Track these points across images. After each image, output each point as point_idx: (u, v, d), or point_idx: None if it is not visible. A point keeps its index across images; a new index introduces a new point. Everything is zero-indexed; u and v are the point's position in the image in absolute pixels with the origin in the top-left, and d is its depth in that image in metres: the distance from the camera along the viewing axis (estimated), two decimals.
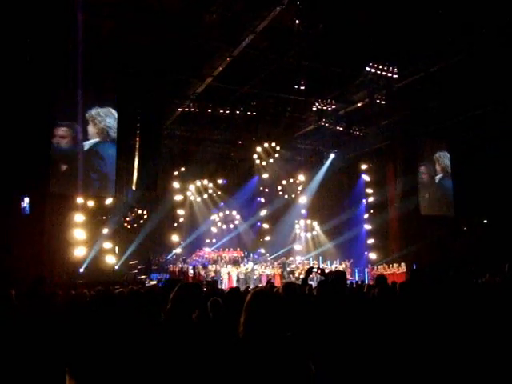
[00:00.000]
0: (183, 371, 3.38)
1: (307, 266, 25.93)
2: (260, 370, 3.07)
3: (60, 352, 6.36)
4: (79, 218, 20.26)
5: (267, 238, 29.98)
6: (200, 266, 25.36)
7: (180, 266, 25.09)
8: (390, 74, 17.99)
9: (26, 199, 18.09)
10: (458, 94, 18.62)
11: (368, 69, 17.91)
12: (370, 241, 27.59)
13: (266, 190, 29.41)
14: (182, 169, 26.83)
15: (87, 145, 18.53)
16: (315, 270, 5.99)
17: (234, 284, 23.58)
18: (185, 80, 19.31)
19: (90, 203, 21.12)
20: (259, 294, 3.41)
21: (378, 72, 17.92)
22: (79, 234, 19.98)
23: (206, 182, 28.95)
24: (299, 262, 28.21)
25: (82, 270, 20.80)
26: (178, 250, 27.60)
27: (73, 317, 7.39)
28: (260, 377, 3.06)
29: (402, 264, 24.06)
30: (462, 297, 4.80)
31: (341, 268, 26.01)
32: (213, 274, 24.80)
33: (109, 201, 22.65)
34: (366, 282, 21.10)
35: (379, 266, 25.75)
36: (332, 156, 28.13)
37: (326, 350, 4.85)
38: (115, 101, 18.71)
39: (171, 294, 3.66)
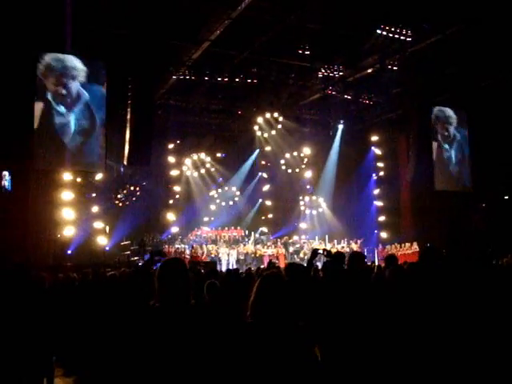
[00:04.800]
0: (184, 359, 3.41)
1: (312, 246, 26.03)
2: (269, 355, 3.12)
3: (47, 340, 6.40)
4: (66, 195, 20.25)
5: (269, 216, 30.05)
6: (197, 246, 25.45)
7: (176, 246, 25.18)
8: (403, 37, 17.78)
9: (7, 174, 18.05)
10: (478, 58, 18.41)
11: (379, 31, 17.69)
12: (381, 218, 27.63)
13: (268, 164, 29.40)
14: (178, 141, 26.75)
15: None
16: (321, 251, 5.99)
17: (234, 265, 23.70)
18: (179, 45, 19.12)
19: (78, 179, 21.10)
20: (270, 278, 3.47)
21: (390, 35, 17.71)
22: (66, 212, 19.99)
23: (203, 155, 28.91)
24: (304, 242, 28.29)
25: (69, 251, 20.88)
26: (174, 230, 27.66)
27: (61, 302, 7.43)
28: (268, 362, 3.11)
29: (414, 243, 24.10)
30: (480, 280, 4.80)
31: (354, 248, 26.09)
32: (211, 255, 24.91)
33: (98, 176, 22.66)
34: (376, 262, 21.16)
35: (390, 246, 25.79)
36: (341, 127, 28.00)
37: (333, 336, 4.89)
38: (104, 68, 18.50)
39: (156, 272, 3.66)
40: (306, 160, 30.08)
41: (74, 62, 17.61)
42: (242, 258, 25.53)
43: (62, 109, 17.65)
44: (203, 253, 24.78)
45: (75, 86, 17.77)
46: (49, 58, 17.13)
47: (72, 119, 17.79)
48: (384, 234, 27.21)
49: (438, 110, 24.20)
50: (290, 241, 27.90)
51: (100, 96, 18.25)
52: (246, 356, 3.21)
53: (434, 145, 24.13)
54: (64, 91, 17.61)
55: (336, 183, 29.13)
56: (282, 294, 3.35)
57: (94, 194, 23.44)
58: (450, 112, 24.51)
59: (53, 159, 17.97)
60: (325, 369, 4.14)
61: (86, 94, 18.03)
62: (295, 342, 3.24)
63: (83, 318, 7.48)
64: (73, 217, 20.38)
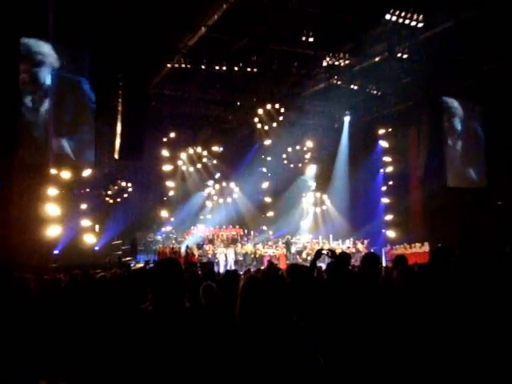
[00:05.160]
0: (178, 365, 3.42)
1: (315, 246, 26.07)
2: (259, 359, 3.15)
3: (31, 347, 6.38)
4: (53, 191, 20.23)
5: (270, 214, 30.06)
6: (193, 246, 25.48)
7: (171, 246, 25.20)
8: (414, 23, 17.68)
9: None
10: (493, 46, 18.36)
11: (388, 16, 17.61)
12: (389, 217, 27.62)
13: (269, 158, 29.36)
14: (172, 134, 26.73)
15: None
16: (325, 252, 5.99)
17: (232, 266, 23.74)
18: (174, 31, 19.05)
19: (66, 174, 21.06)
20: (252, 280, 3.60)
21: (400, 20, 17.61)
22: (53, 210, 19.96)
23: (199, 149, 28.89)
24: (307, 241, 28.32)
25: (56, 251, 20.88)
26: (168, 228, 27.69)
27: (46, 306, 7.41)
28: (260, 366, 3.13)
29: (425, 243, 24.09)
30: (496, 283, 4.78)
31: (360, 248, 26.11)
32: (208, 255, 24.94)
33: (87, 173, 22.61)
34: (384, 263, 21.17)
35: (399, 246, 25.79)
36: (347, 119, 27.99)
37: (336, 340, 4.89)
38: (89, 55, 18.43)
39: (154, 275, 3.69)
40: (309, 154, 30.07)
41: (45, 48, 17.43)
42: (240, 258, 25.58)
43: (31, 100, 17.58)
44: (199, 253, 24.82)
45: (47, 75, 17.64)
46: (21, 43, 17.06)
47: (45, 111, 17.71)
48: (392, 234, 27.20)
49: (451, 100, 24.20)
50: (292, 240, 27.92)
51: (83, 86, 18.21)
52: (240, 362, 3.25)
53: (446, 138, 24.12)
54: (32, 79, 17.52)
55: (341, 179, 29.13)
56: (264, 295, 3.44)
57: (82, 191, 23.43)
58: (463, 103, 24.50)
59: (34, 155, 17.94)
60: (328, 373, 4.15)
61: (63, 85, 17.94)
62: (290, 345, 3.29)
63: (71, 324, 7.46)
64: (60, 214, 20.35)
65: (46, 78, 17.64)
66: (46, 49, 17.44)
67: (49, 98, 17.71)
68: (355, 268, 9.00)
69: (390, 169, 27.74)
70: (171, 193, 27.80)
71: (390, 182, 27.70)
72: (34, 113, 17.53)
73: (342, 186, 29.04)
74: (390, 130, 27.47)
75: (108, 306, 6.74)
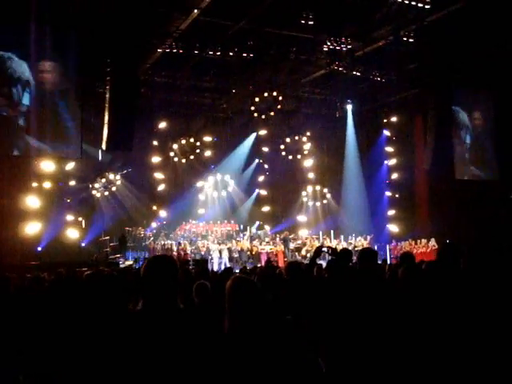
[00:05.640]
0: (169, 371, 3.40)
1: (315, 242, 26.09)
2: (254, 362, 3.16)
3: (12, 354, 6.36)
4: (36, 184, 20.17)
5: (267, 209, 30.03)
6: (186, 242, 25.45)
7: (162, 242, 25.18)
8: (420, 5, 17.67)
9: None
10: (505, 30, 18.34)
11: None
12: (393, 211, 27.64)
13: (266, 149, 29.31)
14: (163, 124, 26.65)
15: None
16: (325, 249, 6.00)
17: (227, 264, 23.73)
18: (165, 13, 18.98)
19: (50, 166, 21.00)
20: (240, 282, 3.60)
21: (406, 2, 17.60)
22: (36, 204, 19.93)
23: (192, 139, 28.81)
24: (306, 238, 28.30)
25: (39, 248, 20.84)
26: (159, 224, 27.65)
27: (28, 307, 7.38)
28: (254, 371, 3.14)
29: (432, 239, 24.10)
30: (505, 283, 4.78)
31: (364, 245, 26.11)
32: (201, 252, 24.91)
33: (70, 166, 22.54)
34: (388, 260, 21.20)
35: (404, 242, 25.82)
36: (350, 108, 27.96)
37: (336, 339, 4.89)
38: (75, 40, 18.38)
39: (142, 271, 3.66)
40: (308, 145, 30.00)
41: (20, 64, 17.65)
42: (236, 255, 25.54)
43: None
44: (192, 249, 24.81)
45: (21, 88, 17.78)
46: None
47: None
48: (396, 229, 27.24)
49: (459, 88, 24.18)
50: (291, 236, 27.90)
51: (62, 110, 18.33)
52: (235, 365, 3.26)
53: (455, 127, 24.12)
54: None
55: (343, 171, 29.13)
56: (254, 298, 3.46)
57: (67, 183, 23.35)
58: (472, 90, 24.48)
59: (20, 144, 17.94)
60: (327, 373, 4.17)
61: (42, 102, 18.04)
62: (283, 346, 3.33)
63: (55, 326, 7.43)
64: (43, 209, 20.31)
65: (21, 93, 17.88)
66: (20, 65, 17.69)
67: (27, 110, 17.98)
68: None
69: (394, 160, 27.78)
70: (162, 186, 27.73)
71: (395, 174, 27.73)
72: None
73: (343, 179, 29.05)
74: (394, 119, 27.46)
75: (95, 307, 6.71)
